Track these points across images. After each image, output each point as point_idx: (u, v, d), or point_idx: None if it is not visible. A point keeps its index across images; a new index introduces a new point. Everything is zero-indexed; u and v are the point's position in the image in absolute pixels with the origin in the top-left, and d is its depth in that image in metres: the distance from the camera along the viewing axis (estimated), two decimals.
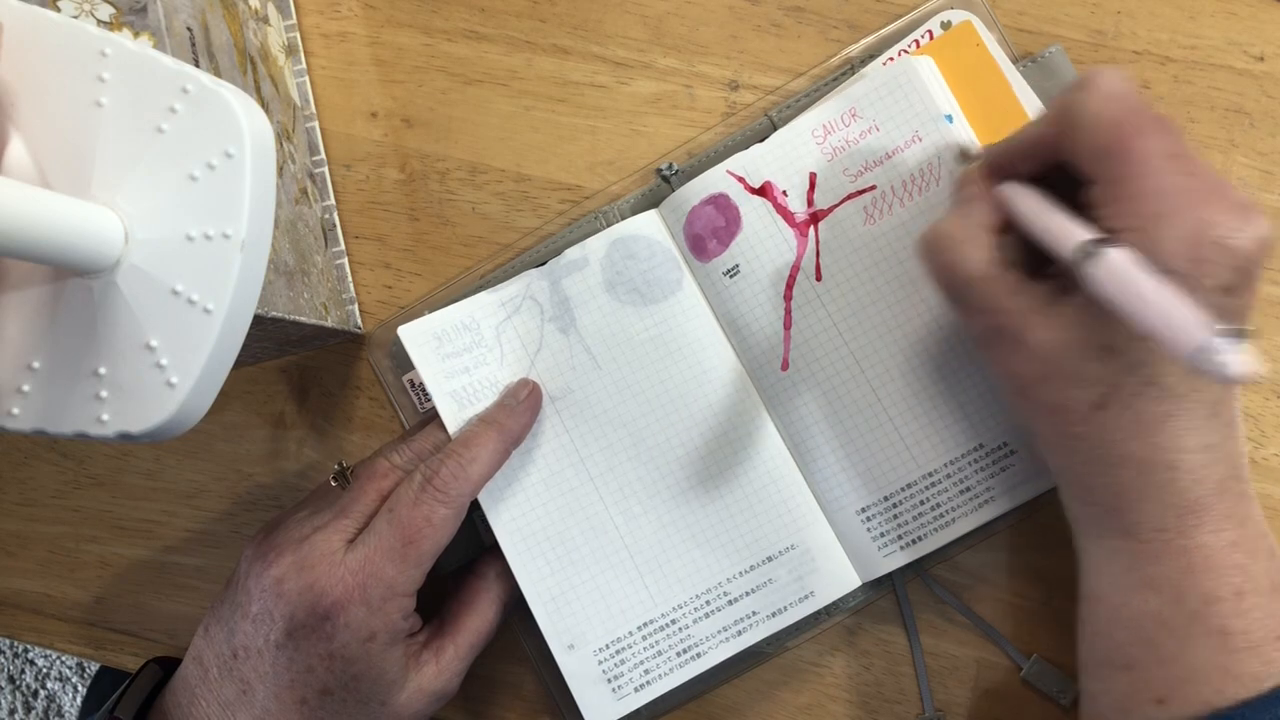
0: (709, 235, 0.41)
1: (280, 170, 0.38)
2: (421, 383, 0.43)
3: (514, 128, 0.44)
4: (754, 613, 0.41)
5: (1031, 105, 0.41)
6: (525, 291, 0.42)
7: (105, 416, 0.28)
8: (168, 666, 0.42)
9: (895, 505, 0.41)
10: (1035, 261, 0.35)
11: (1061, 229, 0.32)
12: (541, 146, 0.44)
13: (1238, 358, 0.26)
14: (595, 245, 0.42)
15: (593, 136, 0.44)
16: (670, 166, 0.43)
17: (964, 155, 0.40)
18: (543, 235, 0.44)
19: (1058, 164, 0.34)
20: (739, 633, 0.41)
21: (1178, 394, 0.32)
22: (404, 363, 0.43)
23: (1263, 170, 0.43)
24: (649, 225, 0.42)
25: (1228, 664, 0.32)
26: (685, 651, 0.41)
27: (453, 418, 0.41)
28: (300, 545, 0.38)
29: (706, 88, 0.44)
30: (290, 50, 0.44)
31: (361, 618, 0.37)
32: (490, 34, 0.44)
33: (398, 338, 0.43)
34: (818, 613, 0.42)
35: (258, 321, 0.32)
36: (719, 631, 0.41)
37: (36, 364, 0.28)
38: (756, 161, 0.41)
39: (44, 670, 1.19)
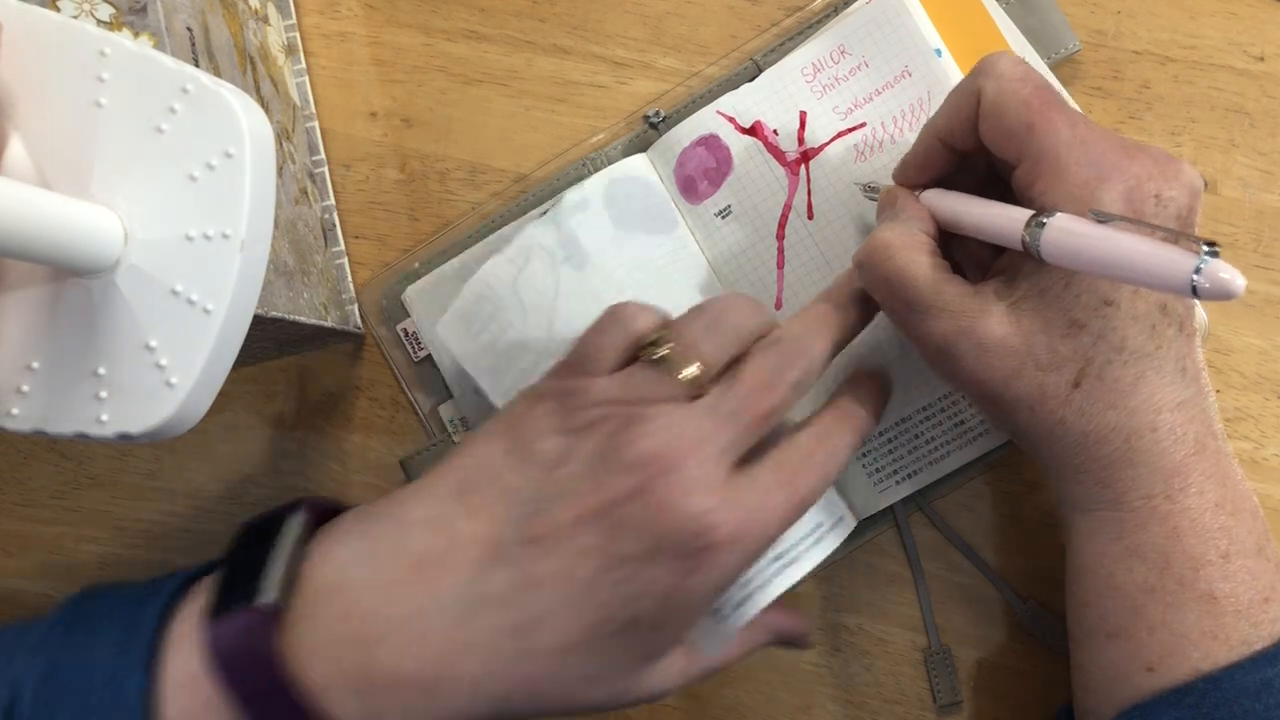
0: (700, 176, 0.41)
1: (280, 170, 0.38)
2: (415, 332, 0.43)
3: (514, 128, 0.44)
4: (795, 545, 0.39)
5: (1016, 40, 0.41)
6: (530, 243, 0.41)
7: (105, 417, 0.28)
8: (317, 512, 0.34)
9: (890, 440, 0.41)
10: (972, 273, 0.35)
11: (1001, 215, 0.32)
12: (541, 146, 0.44)
13: (1234, 272, 0.25)
14: (594, 186, 0.41)
15: (592, 137, 0.44)
16: (657, 113, 0.43)
17: (867, 189, 0.40)
18: (530, 183, 0.44)
19: (965, 157, 0.35)
20: (790, 563, 0.39)
21: (1145, 353, 0.32)
22: (395, 314, 0.43)
23: (1263, 170, 0.43)
24: (640, 168, 0.42)
25: (1216, 629, 0.32)
26: (743, 585, 0.38)
27: (495, 388, 0.40)
28: (694, 451, 0.30)
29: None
30: (290, 50, 0.44)
31: (729, 567, 0.31)
32: (490, 34, 0.44)
33: (391, 292, 0.43)
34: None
35: (257, 321, 0.32)
36: (772, 561, 0.39)
37: (36, 364, 0.28)
38: (746, 101, 0.41)
39: None
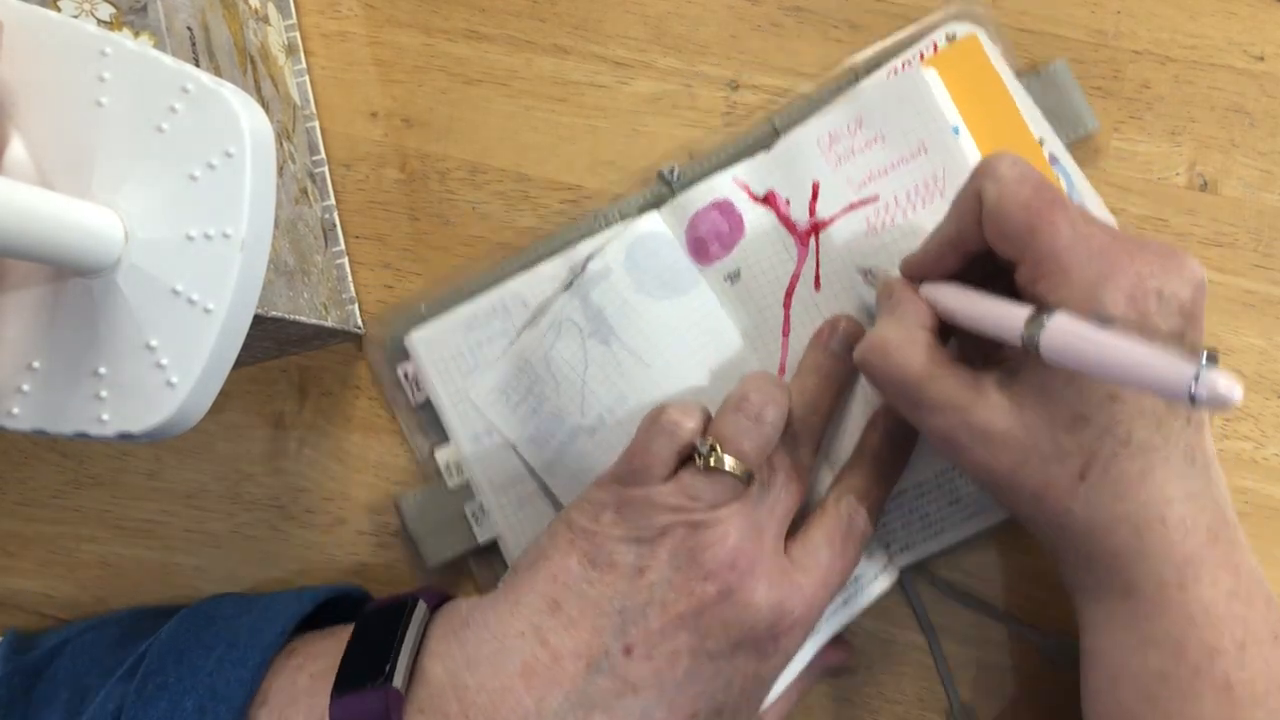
0: (711, 239, 0.41)
1: (280, 170, 0.38)
2: (415, 376, 0.43)
3: (514, 127, 0.44)
4: None
5: (1034, 120, 0.41)
6: (561, 315, 0.41)
7: (105, 416, 0.28)
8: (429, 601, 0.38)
9: (885, 513, 0.41)
10: (974, 360, 0.35)
11: (1000, 311, 0.32)
12: (541, 146, 0.44)
13: (1232, 382, 0.25)
14: (614, 251, 0.41)
15: (593, 136, 0.44)
16: (672, 170, 0.43)
17: (867, 275, 0.40)
18: (541, 234, 0.44)
19: (974, 257, 0.34)
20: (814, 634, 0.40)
21: (1152, 446, 0.31)
22: (396, 355, 0.43)
23: (1263, 170, 0.43)
24: (657, 224, 0.42)
25: (1233, 716, 0.32)
26: None
27: (537, 459, 0.41)
28: (759, 546, 0.34)
29: (706, 87, 0.44)
30: (290, 50, 0.44)
31: (797, 642, 0.35)
32: (490, 34, 0.44)
33: (395, 333, 0.43)
34: None
35: (258, 321, 0.32)
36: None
37: (36, 364, 0.28)
38: (761, 170, 0.41)
39: None
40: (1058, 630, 0.42)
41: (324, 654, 0.36)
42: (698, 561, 0.34)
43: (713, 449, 0.35)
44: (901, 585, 0.42)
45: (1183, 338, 0.31)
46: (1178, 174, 0.43)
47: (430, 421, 0.43)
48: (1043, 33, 0.43)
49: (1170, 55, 0.43)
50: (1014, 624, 0.42)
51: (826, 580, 0.36)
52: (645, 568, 0.34)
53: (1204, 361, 0.26)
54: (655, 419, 0.36)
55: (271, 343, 0.40)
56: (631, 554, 0.34)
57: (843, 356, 0.38)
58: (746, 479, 0.35)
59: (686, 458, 0.35)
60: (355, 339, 0.44)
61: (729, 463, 0.34)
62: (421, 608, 0.36)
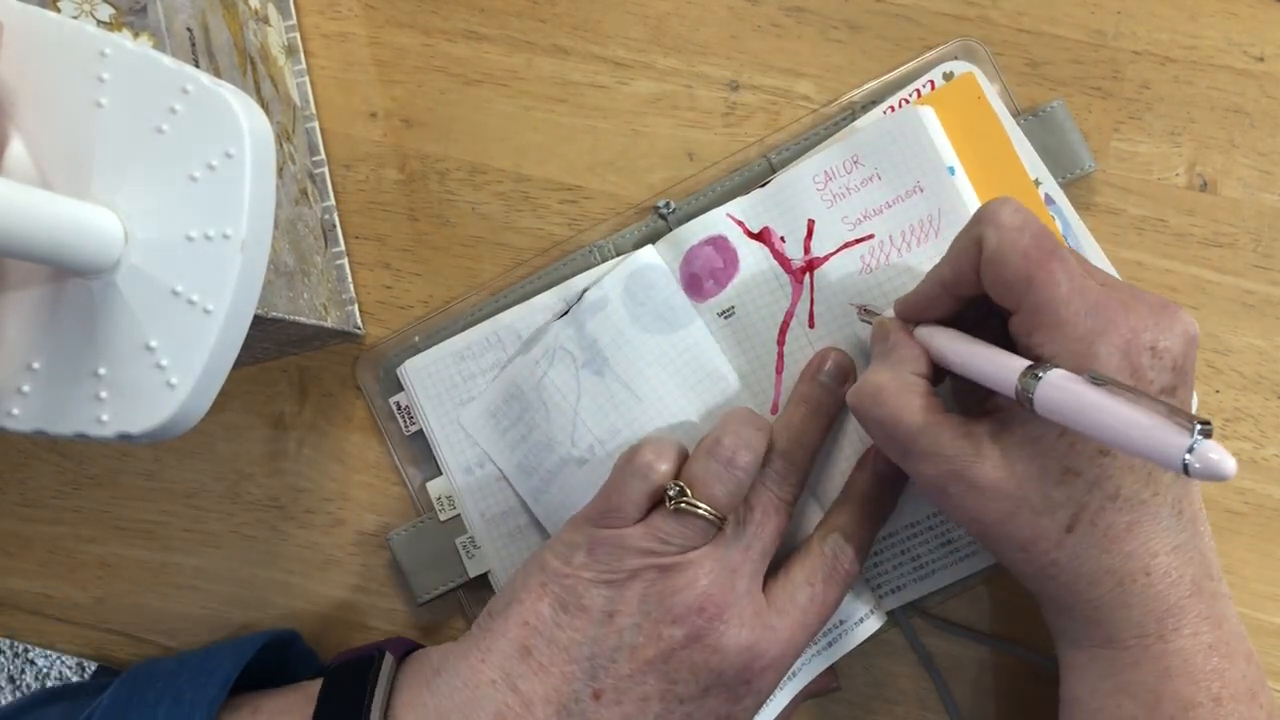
0: (706, 275, 0.41)
1: (280, 170, 0.38)
2: (408, 406, 0.43)
3: (514, 128, 0.44)
4: None
5: (1031, 161, 0.41)
6: (555, 343, 0.41)
7: (105, 417, 0.28)
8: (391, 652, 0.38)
9: (875, 554, 0.41)
10: (968, 402, 0.34)
11: (997, 362, 0.32)
12: (541, 147, 0.44)
13: (1225, 455, 0.25)
14: (612, 282, 0.41)
15: (593, 137, 0.44)
16: (668, 205, 0.43)
17: (862, 312, 0.40)
18: (534, 267, 0.44)
19: (970, 300, 0.34)
20: (792, 676, 0.40)
21: (1140, 500, 0.32)
22: (390, 386, 0.43)
23: (1263, 170, 0.43)
24: (654, 257, 0.42)
25: None
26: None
27: (524, 487, 0.41)
28: (730, 589, 0.34)
29: (706, 88, 0.44)
30: (290, 50, 0.44)
31: (771, 683, 0.35)
32: (490, 34, 0.44)
33: (389, 362, 0.43)
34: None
35: (258, 322, 0.32)
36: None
37: (36, 364, 0.28)
38: (757, 206, 0.41)
39: (44, 670, 1.19)
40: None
41: (288, 710, 0.36)
42: (666, 606, 0.34)
43: (682, 492, 0.35)
44: (895, 620, 0.42)
45: (1174, 392, 0.31)
46: (1178, 174, 0.43)
47: (422, 453, 0.43)
48: (1041, 32, 0.43)
49: (1170, 55, 0.43)
50: (1008, 647, 0.42)
51: (804, 621, 0.35)
52: (615, 611, 0.34)
53: (1197, 432, 0.25)
54: (630, 459, 0.36)
55: (271, 343, 0.40)
56: (602, 597, 0.35)
57: (832, 388, 0.38)
58: (719, 521, 0.35)
59: (659, 500, 0.35)
60: (355, 339, 0.44)
61: (704, 514, 0.35)
62: (389, 660, 0.36)
